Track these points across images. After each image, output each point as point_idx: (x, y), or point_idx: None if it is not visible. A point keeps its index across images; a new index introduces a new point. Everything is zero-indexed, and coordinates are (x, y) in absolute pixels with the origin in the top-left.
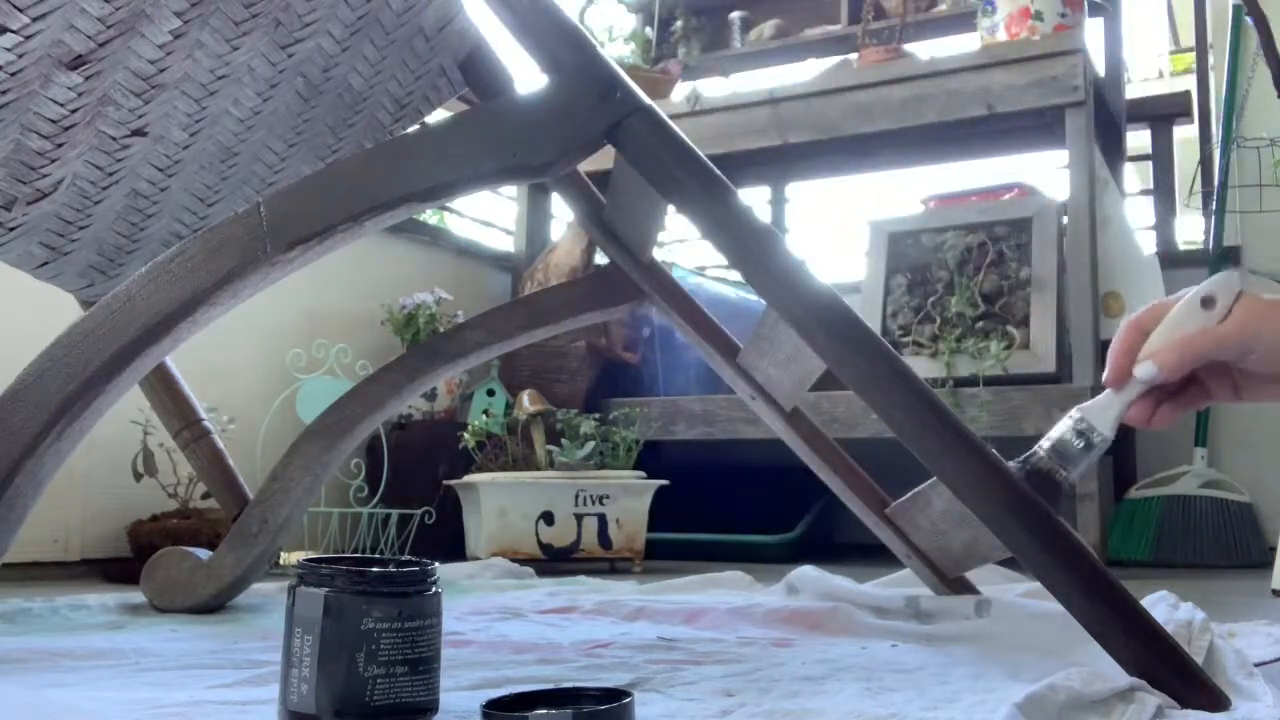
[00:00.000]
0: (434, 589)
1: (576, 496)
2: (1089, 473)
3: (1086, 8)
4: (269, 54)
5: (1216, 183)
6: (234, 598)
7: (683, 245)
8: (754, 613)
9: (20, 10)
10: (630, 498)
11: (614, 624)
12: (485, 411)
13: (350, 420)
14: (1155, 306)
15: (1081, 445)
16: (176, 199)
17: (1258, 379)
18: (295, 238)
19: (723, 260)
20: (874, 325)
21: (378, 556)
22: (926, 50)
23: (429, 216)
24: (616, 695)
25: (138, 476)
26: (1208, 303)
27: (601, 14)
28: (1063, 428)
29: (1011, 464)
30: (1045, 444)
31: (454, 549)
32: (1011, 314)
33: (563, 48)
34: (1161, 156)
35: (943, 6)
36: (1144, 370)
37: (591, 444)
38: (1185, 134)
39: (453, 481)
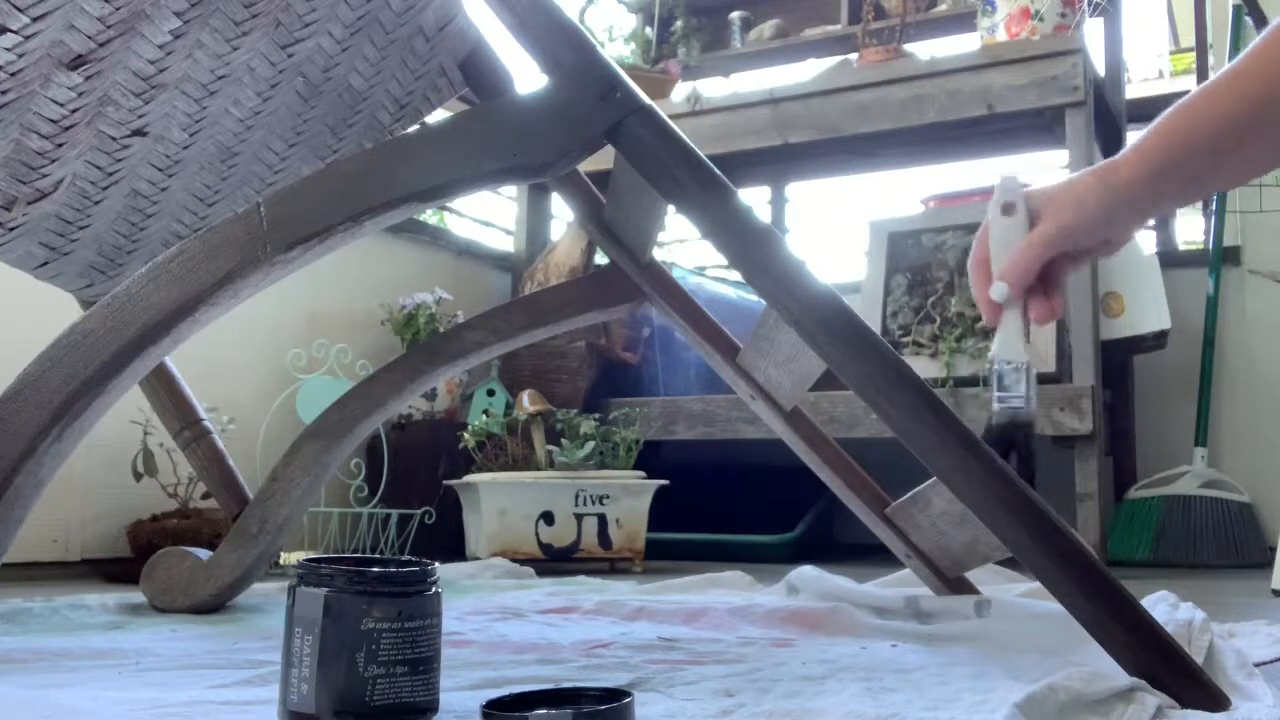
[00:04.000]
0: (434, 589)
1: (576, 496)
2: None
3: (1087, 8)
4: (269, 54)
5: None
6: (234, 598)
7: (683, 245)
8: (754, 613)
9: (20, 10)
10: (630, 498)
11: (614, 624)
12: (485, 411)
13: (350, 420)
14: (980, 241)
15: (1016, 377)
16: (176, 199)
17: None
18: (295, 238)
19: (723, 260)
20: (874, 325)
21: (378, 556)
22: (926, 50)
23: (429, 216)
24: (616, 695)
25: (138, 476)
26: (1008, 209)
27: (601, 14)
28: (996, 376)
29: (984, 438)
30: (994, 398)
31: (454, 549)
32: None
33: (563, 48)
34: None
35: (943, 6)
36: (999, 292)
37: (591, 444)
38: None
39: (453, 481)
